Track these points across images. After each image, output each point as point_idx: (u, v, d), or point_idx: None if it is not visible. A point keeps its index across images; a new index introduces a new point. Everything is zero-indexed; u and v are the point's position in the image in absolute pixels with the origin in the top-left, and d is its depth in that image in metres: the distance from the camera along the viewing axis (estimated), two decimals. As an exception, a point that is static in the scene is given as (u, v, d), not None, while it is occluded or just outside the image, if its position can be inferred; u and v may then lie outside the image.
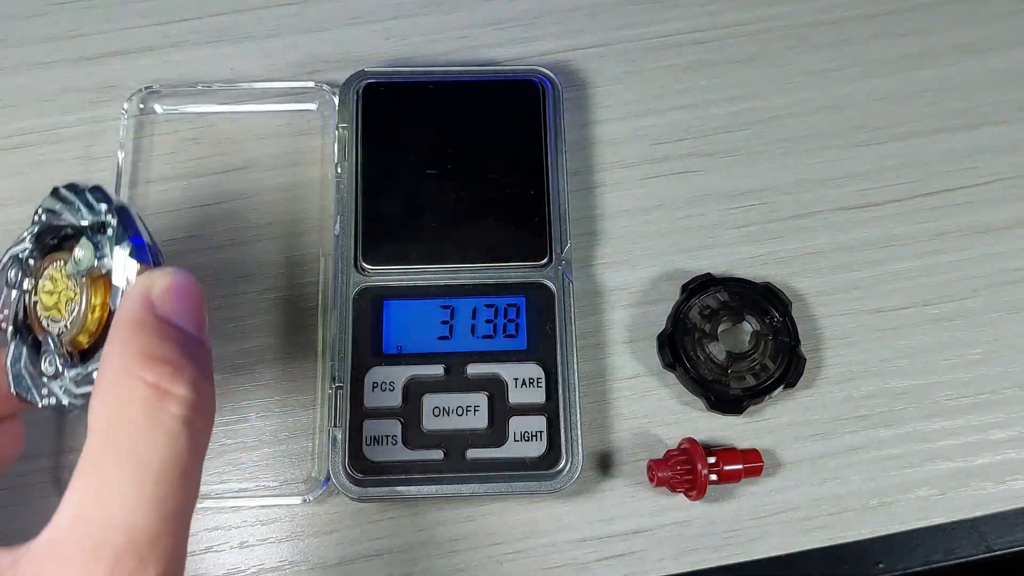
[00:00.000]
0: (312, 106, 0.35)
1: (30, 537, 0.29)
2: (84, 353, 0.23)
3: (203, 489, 0.30)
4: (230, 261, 0.33)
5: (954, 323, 0.33)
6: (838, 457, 0.31)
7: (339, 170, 0.32)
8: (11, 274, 0.25)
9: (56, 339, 0.23)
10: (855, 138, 0.35)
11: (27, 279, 0.24)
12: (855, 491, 0.31)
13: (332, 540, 0.30)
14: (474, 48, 0.36)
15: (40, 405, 0.24)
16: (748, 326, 0.32)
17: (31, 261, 0.24)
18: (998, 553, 0.31)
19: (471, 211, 0.32)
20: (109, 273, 0.22)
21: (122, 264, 0.22)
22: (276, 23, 0.37)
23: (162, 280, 0.21)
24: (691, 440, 0.30)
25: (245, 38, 0.36)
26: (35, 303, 0.24)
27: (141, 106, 0.35)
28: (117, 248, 0.22)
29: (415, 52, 0.36)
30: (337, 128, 0.33)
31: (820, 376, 0.32)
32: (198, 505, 0.30)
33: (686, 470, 0.29)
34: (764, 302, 0.32)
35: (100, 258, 0.22)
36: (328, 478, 0.29)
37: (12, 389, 0.24)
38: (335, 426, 0.29)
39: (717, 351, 0.31)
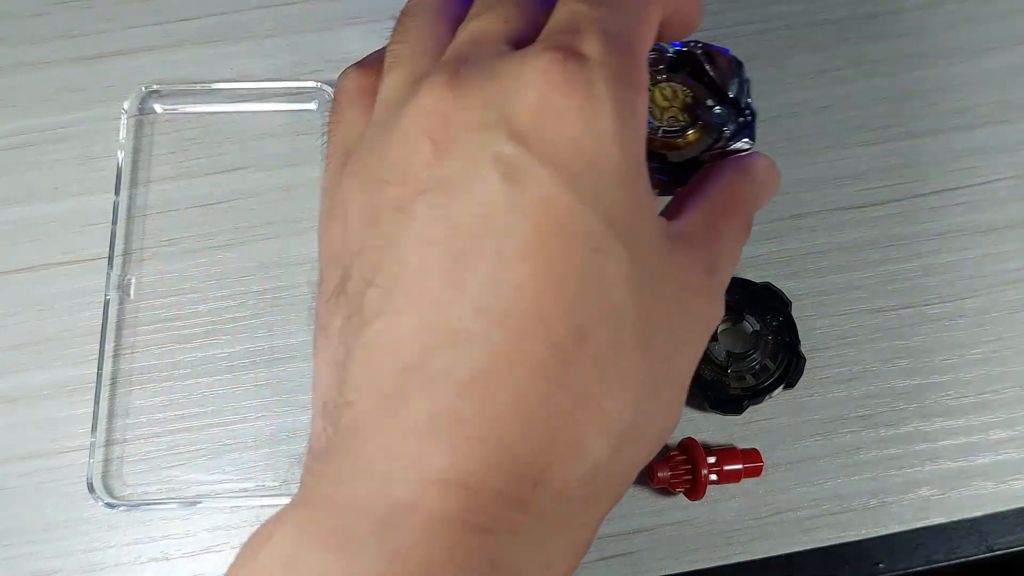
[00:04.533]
0: (312, 106, 0.35)
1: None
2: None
3: (202, 489, 0.30)
4: (230, 261, 0.33)
5: (955, 323, 0.33)
6: (838, 457, 0.31)
7: (339, 170, 0.32)
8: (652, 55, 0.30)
9: (648, 124, 0.29)
10: (855, 138, 0.35)
11: (659, 74, 0.31)
12: (855, 491, 0.31)
13: (332, 540, 0.30)
14: None
15: None
16: (748, 326, 0.32)
17: (661, 64, 0.31)
18: (999, 553, 0.31)
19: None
20: (722, 139, 0.29)
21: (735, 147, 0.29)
22: (276, 23, 0.37)
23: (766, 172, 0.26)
24: (691, 440, 0.30)
25: (245, 37, 0.36)
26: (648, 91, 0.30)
27: (141, 106, 0.35)
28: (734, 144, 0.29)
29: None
30: (337, 128, 0.33)
31: (820, 376, 0.32)
32: (197, 505, 0.30)
33: (686, 470, 0.29)
34: (764, 302, 0.32)
35: (724, 127, 0.29)
36: (328, 478, 0.29)
37: None
38: (335, 426, 0.29)
39: (717, 351, 0.31)
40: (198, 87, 0.35)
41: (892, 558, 0.30)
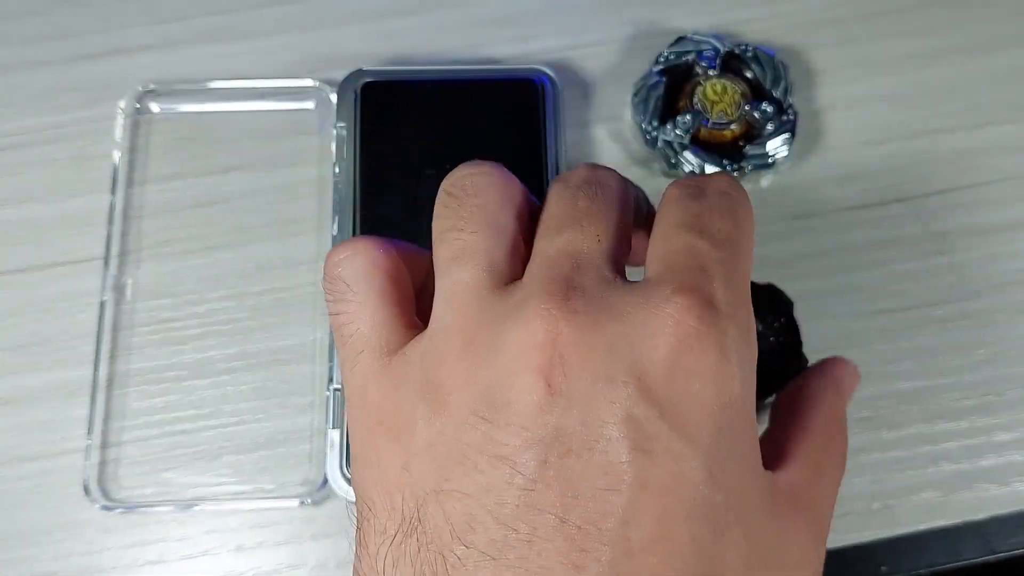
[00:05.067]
0: (310, 105, 0.35)
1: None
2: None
3: (199, 492, 0.30)
4: (227, 261, 0.33)
5: (959, 324, 0.32)
6: (841, 459, 0.31)
7: (337, 170, 0.32)
8: (707, 53, 0.34)
9: (697, 115, 0.33)
10: (857, 138, 0.35)
11: (712, 70, 0.34)
12: (858, 493, 0.30)
13: (329, 543, 0.30)
14: (473, 47, 0.36)
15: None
16: None
17: (715, 62, 0.34)
18: (1002, 556, 0.31)
19: None
20: (762, 132, 0.33)
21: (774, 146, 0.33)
22: (273, 22, 0.36)
23: None
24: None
25: (242, 37, 0.36)
26: (699, 85, 0.34)
27: (138, 105, 0.34)
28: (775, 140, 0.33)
29: (414, 51, 0.36)
30: (335, 127, 0.33)
31: (823, 377, 0.32)
32: (195, 508, 0.30)
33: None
34: (766, 303, 0.31)
35: (766, 127, 0.33)
36: (326, 481, 0.29)
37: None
38: (333, 428, 0.29)
39: None
40: (195, 87, 0.35)
41: (895, 561, 0.30)
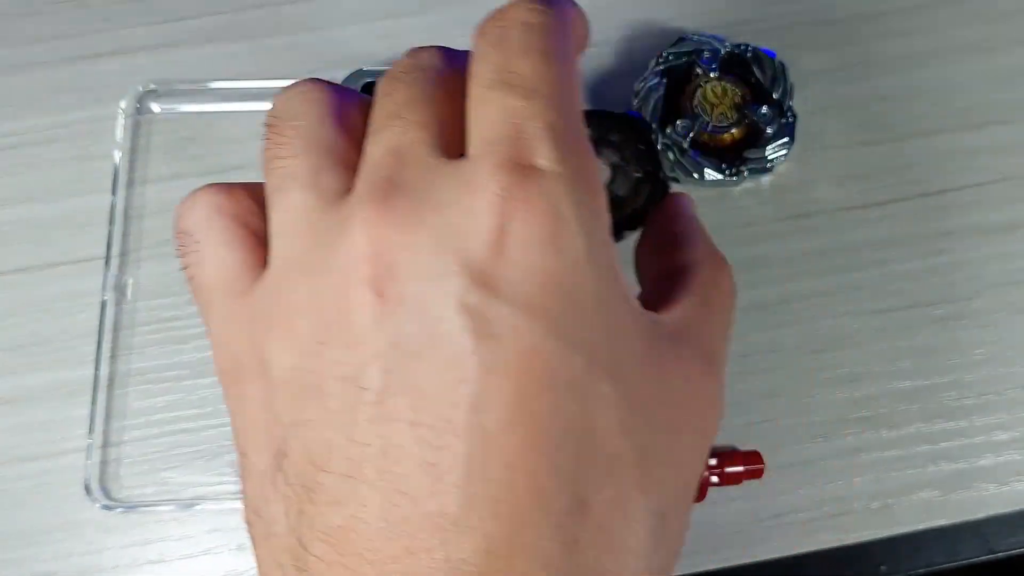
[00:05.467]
0: (310, 105, 0.35)
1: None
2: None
3: (200, 491, 0.30)
4: (228, 261, 0.33)
5: (957, 324, 0.32)
6: (840, 459, 0.31)
7: (337, 170, 0.32)
8: (706, 55, 0.34)
9: (697, 118, 0.33)
10: (856, 137, 0.35)
11: (712, 72, 0.34)
12: (857, 493, 0.30)
13: (330, 542, 0.30)
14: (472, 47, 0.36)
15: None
16: (606, 160, 0.32)
17: (715, 64, 0.34)
18: (1001, 555, 0.31)
19: None
20: (762, 137, 0.33)
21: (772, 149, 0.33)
22: (274, 22, 0.36)
23: None
24: (692, 442, 0.30)
25: (243, 37, 0.36)
26: (699, 87, 0.33)
27: (138, 105, 0.34)
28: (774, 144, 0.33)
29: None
30: (335, 127, 0.33)
31: (822, 377, 0.32)
32: (195, 507, 0.30)
33: (687, 472, 0.29)
34: (626, 133, 0.32)
35: (768, 127, 0.33)
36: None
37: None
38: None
39: None
40: (195, 87, 0.35)
41: (894, 561, 0.30)
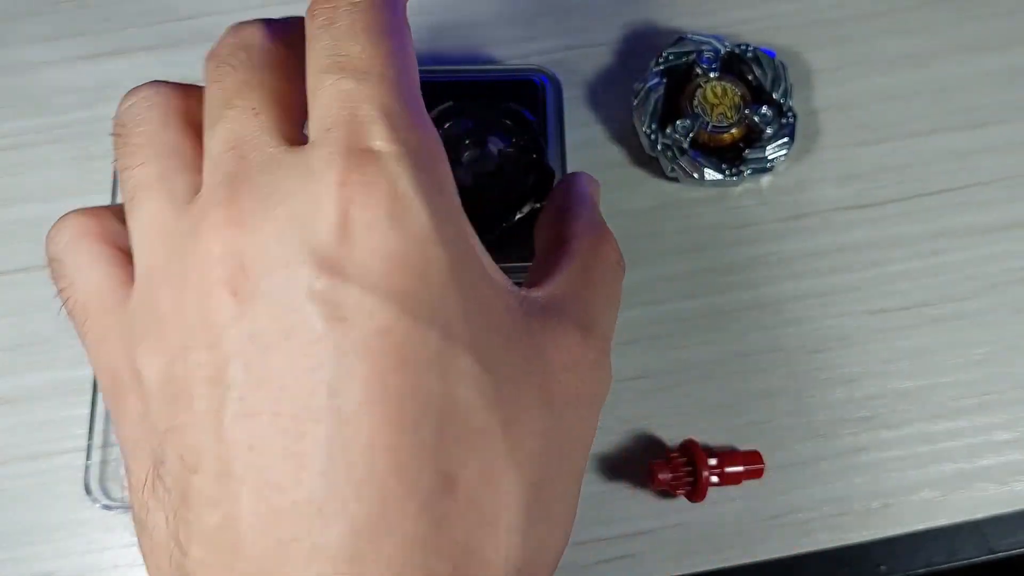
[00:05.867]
0: (310, 105, 0.35)
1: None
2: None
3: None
4: (228, 261, 0.33)
5: (956, 324, 0.32)
6: (840, 459, 0.31)
7: (337, 170, 0.32)
8: (706, 55, 0.34)
9: (697, 119, 0.33)
10: (855, 138, 0.35)
11: (712, 72, 0.34)
12: (857, 493, 0.30)
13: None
14: (473, 47, 0.36)
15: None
16: (493, 148, 0.32)
17: (716, 63, 0.34)
18: (1001, 555, 0.31)
19: (470, 211, 0.32)
20: (762, 137, 0.33)
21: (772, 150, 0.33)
22: (274, 22, 0.36)
23: None
24: (692, 441, 0.30)
25: (243, 37, 0.36)
26: (699, 87, 0.33)
27: (138, 105, 0.34)
28: (774, 144, 0.33)
29: (414, 51, 0.36)
30: (335, 127, 0.33)
31: (822, 377, 0.32)
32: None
33: (687, 472, 0.29)
34: (505, 122, 0.31)
35: (766, 130, 0.33)
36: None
37: None
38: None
39: (463, 177, 0.31)
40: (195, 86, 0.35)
41: (893, 561, 0.30)
